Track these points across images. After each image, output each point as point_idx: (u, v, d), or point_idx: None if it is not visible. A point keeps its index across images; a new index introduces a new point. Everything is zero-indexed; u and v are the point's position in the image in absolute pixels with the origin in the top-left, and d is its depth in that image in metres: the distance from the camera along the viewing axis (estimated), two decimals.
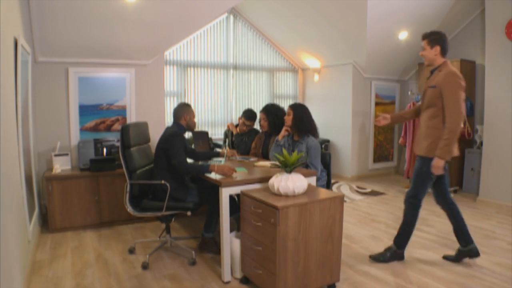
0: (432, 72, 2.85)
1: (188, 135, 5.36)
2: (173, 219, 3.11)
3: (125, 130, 2.97)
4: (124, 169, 2.99)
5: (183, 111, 3.14)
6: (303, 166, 3.19)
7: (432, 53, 2.76)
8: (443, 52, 2.78)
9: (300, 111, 3.29)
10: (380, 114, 3.15)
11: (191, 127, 3.20)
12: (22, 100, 2.88)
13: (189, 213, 2.99)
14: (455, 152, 2.74)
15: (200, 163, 3.25)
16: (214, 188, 3.07)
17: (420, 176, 2.84)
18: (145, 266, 2.90)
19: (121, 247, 3.34)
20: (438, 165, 2.68)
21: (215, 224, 3.13)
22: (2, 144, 1.97)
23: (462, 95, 2.66)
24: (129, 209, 2.96)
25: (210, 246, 3.17)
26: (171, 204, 2.93)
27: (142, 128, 3.37)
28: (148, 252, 3.10)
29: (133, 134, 3.04)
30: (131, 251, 3.21)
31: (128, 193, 2.97)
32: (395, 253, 2.99)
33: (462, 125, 2.67)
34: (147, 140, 3.45)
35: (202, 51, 5.78)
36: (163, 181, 2.88)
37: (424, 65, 2.87)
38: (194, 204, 3.02)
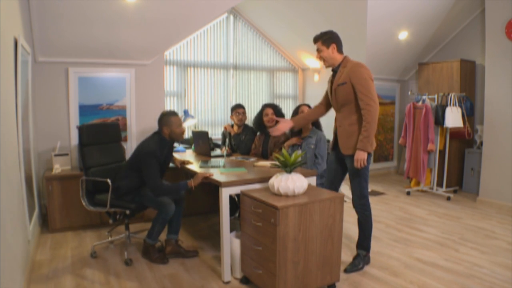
0: (335, 71, 2.79)
1: (188, 135, 5.37)
2: (117, 217, 3.11)
3: (80, 129, 3.18)
4: (82, 165, 3.18)
5: (161, 123, 3.01)
6: (312, 159, 3.29)
7: (330, 53, 2.71)
8: (339, 49, 2.75)
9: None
10: (278, 120, 3.05)
11: (175, 139, 3.05)
12: (22, 100, 2.88)
13: (127, 211, 3.00)
14: (374, 145, 2.75)
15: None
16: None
17: (359, 175, 2.78)
18: (92, 254, 3.11)
19: (121, 247, 3.34)
20: (362, 158, 2.64)
21: (157, 232, 3.01)
22: (2, 144, 1.97)
23: (373, 85, 2.64)
24: (84, 203, 3.09)
25: (148, 252, 3.04)
26: (114, 202, 2.99)
27: (106, 128, 3.49)
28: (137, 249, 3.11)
29: (90, 134, 3.21)
30: (93, 255, 3.14)
31: (84, 189, 3.10)
32: (365, 257, 2.94)
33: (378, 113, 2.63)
34: (113, 139, 3.49)
35: (202, 51, 5.78)
36: (107, 180, 2.94)
37: (325, 67, 2.84)
38: (136, 206, 3.02)
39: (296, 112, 3.53)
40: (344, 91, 2.69)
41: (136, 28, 3.99)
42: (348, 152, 2.76)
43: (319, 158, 3.32)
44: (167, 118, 2.99)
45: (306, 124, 3.25)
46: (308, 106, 3.51)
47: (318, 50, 2.75)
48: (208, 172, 2.83)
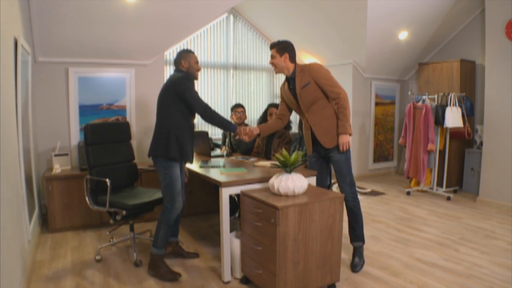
0: (291, 78, 2.89)
1: None
2: (116, 217, 3.02)
3: (85, 129, 3.18)
4: (86, 164, 3.18)
5: (180, 57, 2.90)
6: None
7: (282, 61, 2.87)
8: (291, 59, 2.89)
9: None
10: (247, 128, 3.07)
11: (192, 73, 2.91)
12: (22, 100, 2.88)
13: (124, 212, 2.94)
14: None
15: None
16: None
17: (346, 165, 2.87)
18: (98, 260, 3.04)
19: (121, 247, 3.35)
20: (346, 140, 2.78)
21: (162, 237, 2.78)
22: (2, 144, 1.97)
23: (333, 77, 2.83)
24: (88, 201, 3.10)
25: (156, 266, 2.75)
26: (112, 200, 2.96)
27: (113, 127, 3.46)
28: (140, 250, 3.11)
29: (95, 133, 3.20)
30: (97, 259, 3.09)
31: (89, 188, 3.10)
32: (361, 248, 2.98)
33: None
34: (121, 139, 3.46)
35: (202, 51, 5.78)
36: (106, 180, 2.93)
37: (275, 72, 3.02)
38: (133, 206, 2.93)
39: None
40: (310, 91, 2.82)
41: (136, 28, 3.99)
42: (333, 144, 2.84)
43: None
44: (186, 53, 2.92)
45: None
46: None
47: (272, 56, 2.92)
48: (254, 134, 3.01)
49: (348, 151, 2.86)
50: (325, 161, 3.02)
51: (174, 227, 3.08)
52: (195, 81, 2.98)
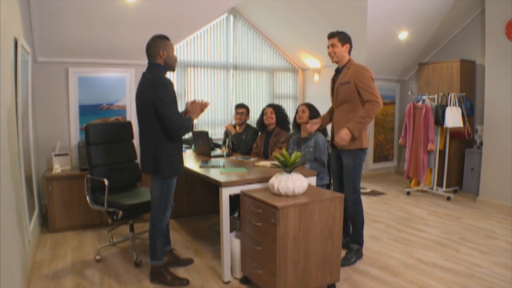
0: (338, 70, 2.96)
1: (188, 135, 5.35)
2: (114, 217, 2.97)
3: (86, 129, 3.16)
4: (87, 163, 3.18)
5: (158, 46, 2.45)
6: (312, 161, 3.28)
7: (343, 50, 2.88)
8: (350, 51, 2.92)
9: (314, 109, 3.47)
10: (310, 122, 3.18)
11: (171, 65, 2.53)
12: (22, 100, 2.88)
13: (120, 212, 2.92)
14: (367, 142, 2.90)
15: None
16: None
17: (353, 171, 2.91)
18: (98, 260, 3.05)
19: (121, 247, 3.35)
20: (345, 138, 2.78)
21: (160, 249, 2.65)
22: (2, 144, 1.97)
23: (375, 85, 2.82)
24: (89, 200, 3.11)
25: (161, 276, 2.65)
26: (111, 200, 2.95)
27: (115, 127, 3.44)
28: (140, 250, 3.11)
29: (96, 133, 3.19)
30: (97, 259, 3.09)
31: (89, 187, 3.10)
32: (358, 251, 3.02)
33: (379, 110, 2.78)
34: (123, 138, 3.44)
35: (202, 51, 5.78)
36: (104, 179, 2.91)
37: (332, 61, 3.00)
38: (129, 206, 2.90)
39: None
40: (346, 90, 2.85)
41: (136, 28, 3.99)
42: (343, 147, 2.89)
43: (319, 162, 3.29)
44: (163, 40, 2.48)
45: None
46: (307, 105, 3.52)
47: (333, 45, 2.89)
48: (204, 103, 2.62)
49: (359, 159, 2.89)
50: (341, 162, 3.03)
51: (166, 235, 2.93)
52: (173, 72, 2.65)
